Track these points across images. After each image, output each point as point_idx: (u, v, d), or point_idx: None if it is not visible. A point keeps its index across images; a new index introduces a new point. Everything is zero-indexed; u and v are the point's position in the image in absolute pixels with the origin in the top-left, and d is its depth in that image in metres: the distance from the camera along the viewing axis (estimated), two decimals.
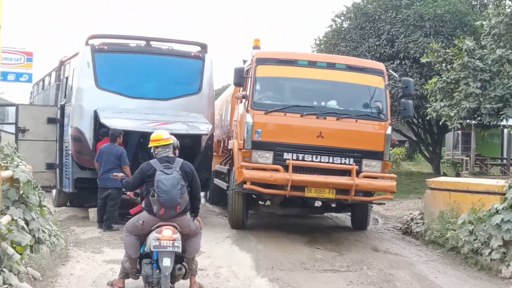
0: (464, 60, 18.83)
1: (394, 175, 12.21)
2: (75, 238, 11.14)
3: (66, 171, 13.76)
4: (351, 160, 11.58)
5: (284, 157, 11.51)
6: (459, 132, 30.11)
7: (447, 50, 20.01)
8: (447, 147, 33.47)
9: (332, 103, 12.09)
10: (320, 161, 11.57)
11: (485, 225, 9.47)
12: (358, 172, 11.46)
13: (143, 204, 7.50)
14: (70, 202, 15.44)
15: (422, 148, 29.75)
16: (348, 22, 26.98)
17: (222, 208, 15.91)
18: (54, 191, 15.61)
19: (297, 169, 11.46)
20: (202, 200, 17.69)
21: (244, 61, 13.57)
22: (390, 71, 13.24)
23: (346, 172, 11.56)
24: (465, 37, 20.01)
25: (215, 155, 15.85)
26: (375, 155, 11.74)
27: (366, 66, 12.45)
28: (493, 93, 18.66)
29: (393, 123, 12.62)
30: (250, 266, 9.43)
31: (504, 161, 29.83)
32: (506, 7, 19.87)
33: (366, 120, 11.86)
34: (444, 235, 10.83)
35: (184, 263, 7.32)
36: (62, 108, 14.32)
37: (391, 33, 24.61)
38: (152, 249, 7.14)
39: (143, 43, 14.10)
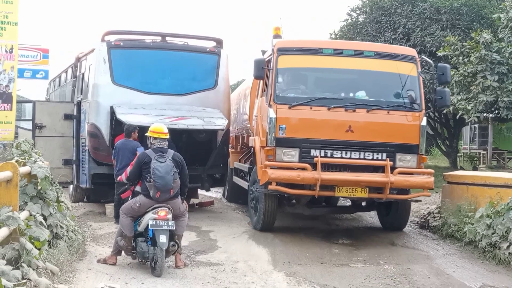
0: (481, 53, 18.72)
1: (432, 170, 11.43)
2: (92, 233, 11.20)
3: (83, 167, 13.83)
4: (384, 155, 10.82)
5: (311, 154, 10.77)
6: (476, 125, 29.91)
7: (464, 43, 19.91)
8: (464, 140, 33.26)
9: (361, 94, 11.22)
10: (350, 158, 10.83)
11: (503, 219, 9.40)
12: (392, 168, 10.73)
13: (138, 189, 8.52)
14: (87, 197, 15.53)
15: (438, 142, 29.57)
16: (364, 16, 26.86)
17: (239, 204, 15.85)
18: (71, 186, 15.69)
19: (325, 167, 10.75)
20: (218, 195, 17.89)
21: (263, 52, 12.95)
22: (423, 57, 12.55)
23: (378, 169, 10.86)
24: (482, 30, 19.88)
25: (233, 151, 15.64)
26: (410, 149, 10.98)
27: (396, 53, 11.58)
28: (511, 86, 18.54)
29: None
30: (266, 260, 9.42)
31: None
32: None
33: (398, 111, 11.06)
34: (462, 229, 10.76)
35: (176, 240, 8.35)
36: (79, 104, 14.39)
37: (407, 27, 24.46)
38: (149, 228, 8.15)
39: (158, 38, 14.14)
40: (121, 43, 13.54)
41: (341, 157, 10.84)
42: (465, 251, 10.38)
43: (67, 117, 14.49)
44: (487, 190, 10.89)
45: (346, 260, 9.71)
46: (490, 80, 18.63)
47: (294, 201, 12.53)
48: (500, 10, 21.34)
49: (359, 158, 10.84)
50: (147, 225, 8.22)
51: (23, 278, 6.12)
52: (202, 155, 13.56)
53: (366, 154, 10.85)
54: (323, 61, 11.47)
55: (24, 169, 7.93)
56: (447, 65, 11.90)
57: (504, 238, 9.33)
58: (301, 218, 13.56)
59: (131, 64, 13.54)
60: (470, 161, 30.87)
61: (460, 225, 10.93)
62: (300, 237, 11.39)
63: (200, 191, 15.49)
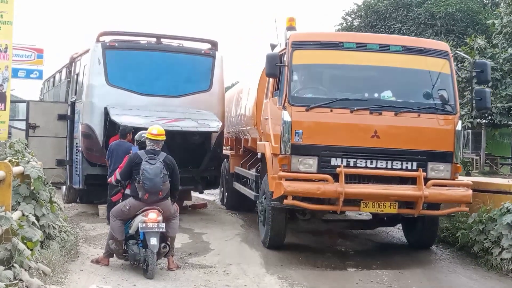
0: (475, 58, 18.77)
1: (469, 182, 10.08)
2: (85, 234, 11.18)
3: (76, 168, 13.80)
4: (414, 164, 9.57)
5: (332, 163, 9.48)
6: (470, 131, 30.01)
7: (458, 49, 19.96)
8: None
9: (387, 95, 9.96)
10: (376, 167, 9.57)
11: (496, 224, 9.42)
12: (424, 179, 9.47)
13: (128, 192, 8.56)
14: (80, 198, 15.46)
15: None
16: (359, 20, 26.98)
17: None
18: (64, 187, 15.65)
19: (347, 178, 9.39)
20: (212, 198, 17.85)
21: (273, 46, 11.99)
22: (459, 52, 11.59)
23: (407, 180, 9.63)
24: (477, 36, 20.01)
25: (233, 154, 15.16)
26: (444, 157, 9.72)
27: (427, 47, 10.27)
28: (504, 92, 18.67)
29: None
30: (259, 263, 9.43)
31: None
32: None
33: (430, 114, 9.80)
34: (454, 234, 10.78)
35: (167, 242, 8.43)
36: (73, 105, 14.36)
37: (402, 32, 24.61)
38: (140, 230, 8.18)
39: (153, 40, 14.13)
40: (116, 44, 13.52)
41: (366, 167, 9.58)
42: (457, 256, 10.39)
43: (61, 117, 14.46)
44: (480, 195, 10.87)
45: (339, 264, 9.71)
46: (484, 86, 18.70)
47: (308, 214, 11.11)
48: (494, 16, 21.47)
49: (386, 168, 9.62)
50: (138, 227, 8.24)
51: (15, 278, 6.10)
52: (196, 157, 13.54)
53: (394, 163, 9.62)
54: (344, 57, 10.21)
55: (17, 169, 7.90)
56: (487, 62, 10.96)
57: (496, 243, 9.35)
58: (294, 221, 13.54)
59: (126, 65, 13.52)
60: (463, 167, 30.93)
61: (453, 230, 10.94)
62: (293, 241, 11.37)
63: (193, 193, 15.43)
